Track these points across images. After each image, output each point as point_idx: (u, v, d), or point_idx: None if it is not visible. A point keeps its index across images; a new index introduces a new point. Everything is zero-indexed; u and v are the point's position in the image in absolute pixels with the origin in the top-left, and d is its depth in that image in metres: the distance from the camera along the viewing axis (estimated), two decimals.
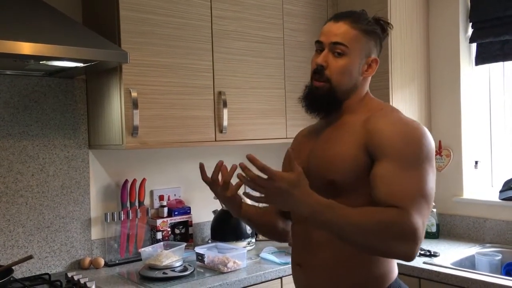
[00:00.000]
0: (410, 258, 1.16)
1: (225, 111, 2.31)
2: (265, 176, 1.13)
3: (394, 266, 1.37)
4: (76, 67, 1.98)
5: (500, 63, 2.72)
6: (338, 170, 1.28)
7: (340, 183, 1.28)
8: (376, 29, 1.38)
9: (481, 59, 2.70)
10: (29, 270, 2.14)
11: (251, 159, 1.15)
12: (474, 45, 2.75)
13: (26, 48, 1.66)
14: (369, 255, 1.30)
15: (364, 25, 1.35)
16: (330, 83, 1.35)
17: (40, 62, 1.84)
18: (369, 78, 1.43)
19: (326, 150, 1.34)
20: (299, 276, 1.43)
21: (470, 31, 2.75)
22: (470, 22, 2.73)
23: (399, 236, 1.14)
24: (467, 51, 2.77)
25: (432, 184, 1.22)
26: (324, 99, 1.36)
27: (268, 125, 2.52)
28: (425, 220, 1.17)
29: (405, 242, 1.14)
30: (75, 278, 2.01)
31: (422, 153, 1.22)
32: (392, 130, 1.25)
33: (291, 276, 2.18)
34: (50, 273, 2.13)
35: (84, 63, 1.91)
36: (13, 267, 1.90)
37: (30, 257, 1.95)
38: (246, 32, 2.43)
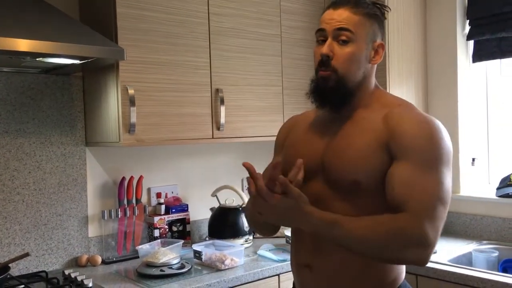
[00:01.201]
0: (423, 263, 1.15)
1: (222, 108, 2.31)
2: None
3: (403, 266, 1.35)
4: (72, 64, 1.97)
5: (497, 60, 2.72)
6: (361, 170, 1.23)
7: (364, 183, 1.24)
8: (377, 11, 1.32)
9: (478, 56, 2.70)
10: (26, 267, 2.13)
11: (248, 167, 1.16)
12: (471, 42, 2.76)
13: (22, 44, 1.65)
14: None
15: (366, 8, 1.28)
16: (337, 73, 1.27)
17: (37, 59, 1.84)
18: (376, 66, 1.35)
19: (347, 148, 1.27)
20: (307, 278, 1.35)
21: (467, 28, 2.75)
22: (467, 19, 2.74)
23: (408, 244, 1.13)
24: (464, 48, 2.77)
25: (449, 186, 1.19)
26: (334, 90, 1.28)
27: (265, 122, 2.51)
28: (439, 223, 1.15)
29: (415, 249, 1.13)
30: (72, 275, 2.00)
31: (442, 156, 1.20)
32: (415, 131, 1.21)
33: (289, 273, 2.20)
34: (47, 270, 2.13)
35: (80, 60, 1.90)
36: (9, 265, 1.89)
37: (27, 254, 1.95)
38: (244, 29, 2.43)
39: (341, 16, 1.27)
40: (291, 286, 1.48)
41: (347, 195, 1.25)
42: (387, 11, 1.37)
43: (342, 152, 1.28)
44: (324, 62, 1.27)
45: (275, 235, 1.74)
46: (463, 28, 2.76)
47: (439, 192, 1.16)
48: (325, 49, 1.27)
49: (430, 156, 1.19)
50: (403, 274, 1.35)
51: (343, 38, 1.26)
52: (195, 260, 2.23)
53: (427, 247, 1.12)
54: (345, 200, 1.26)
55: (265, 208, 1.18)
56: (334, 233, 1.17)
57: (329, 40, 1.28)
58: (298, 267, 1.39)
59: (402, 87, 2.67)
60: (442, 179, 1.18)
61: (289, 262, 2.18)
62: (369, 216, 1.17)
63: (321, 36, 1.30)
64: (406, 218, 1.13)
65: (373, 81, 1.36)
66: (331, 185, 1.28)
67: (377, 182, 1.22)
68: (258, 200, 1.18)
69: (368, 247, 1.16)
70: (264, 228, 1.49)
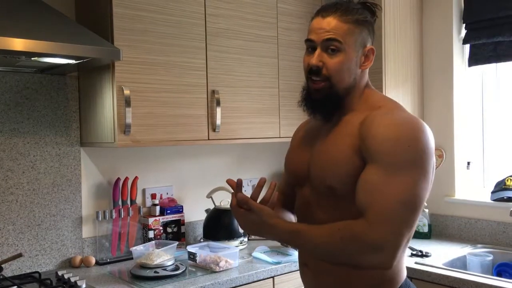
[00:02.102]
0: (386, 267, 1.17)
1: (218, 110, 2.30)
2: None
3: (404, 266, 1.35)
4: (68, 64, 1.97)
5: (493, 64, 2.73)
6: (335, 175, 1.25)
7: (338, 188, 1.26)
8: (367, 16, 1.31)
9: (474, 60, 2.71)
10: (19, 268, 2.12)
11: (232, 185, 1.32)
12: (467, 46, 2.76)
13: (17, 44, 1.64)
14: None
15: (355, 15, 1.28)
16: (329, 82, 1.28)
17: (32, 59, 1.83)
18: (367, 70, 1.36)
19: (323, 154, 1.31)
20: (307, 276, 1.41)
21: (463, 32, 2.75)
22: (463, 23, 2.74)
23: (363, 250, 1.15)
24: (460, 52, 2.78)
25: (419, 190, 1.17)
26: (326, 100, 1.30)
27: (261, 124, 2.51)
28: (401, 227, 1.15)
29: (371, 254, 1.15)
30: (66, 276, 1.99)
31: (413, 157, 1.18)
32: (384, 134, 1.19)
33: (283, 276, 2.20)
34: (40, 271, 2.11)
35: (76, 60, 1.89)
36: (2, 265, 1.88)
37: (20, 255, 1.94)
38: (240, 31, 2.42)
39: (329, 25, 1.27)
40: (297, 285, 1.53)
41: (329, 200, 1.29)
42: (378, 10, 1.36)
43: (319, 159, 1.32)
44: (314, 72, 1.29)
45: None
46: (459, 32, 2.77)
47: (403, 196, 1.15)
48: (314, 60, 1.29)
49: (397, 159, 1.17)
50: (404, 274, 1.33)
51: (332, 47, 1.27)
52: (190, 261, 2.23)
53: (383, 252, 1.14)
54: (328, 205, 1.30)
55: (238, 221, 1.33)
56: (296, 241, 1.28)
57: (318, 50, 1.29)
58: (300, 265, 1.45)
59: (398, 90, 2.68)
60: (413, 183, 1.16)
61: (284, 264, 2.22)
62: (329, 224, 1.22)
63: (310, 45, 1.32)
64: (362, 224, 1.15)
65: (364, 83, 1.36)
66: (315, 192, 1.33)
67: (353, 187, 1.23)
68: (233, 214, 1.33)
69: (327, 253, 1.23)
70: None
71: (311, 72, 1.30)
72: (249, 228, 1.31)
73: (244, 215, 1.28)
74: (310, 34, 1.32)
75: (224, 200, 2.57)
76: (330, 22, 1.27)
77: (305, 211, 1.38)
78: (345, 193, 1.25)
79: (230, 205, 1.32)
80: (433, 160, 1.23)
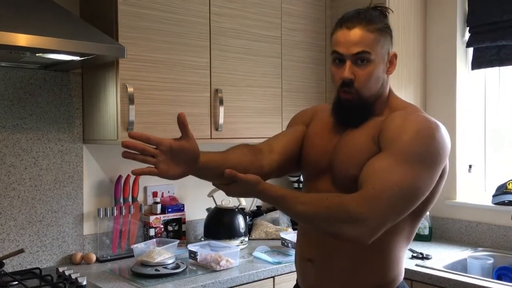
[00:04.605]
0: (362, 241, 1.16)
1: (221, 109, 2.30)
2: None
3: (403, 268, 1.37)
4: (72, 61, 1.97)
5: (496, 68, 2.73)
6: (357, 164, 1.26)
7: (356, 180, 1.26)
8: (387, 23, 1.34)
9: (477, 63, 2.71)
10: (19, 264, 2.12)
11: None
12: (470, 50, 2.76)
13: (22, 40, 1.64)
14: (386, 259, 1.31)
15: (378, 23, 1.30)
16: (359, 94, 1.30)
17: (36, 55, 1.83)
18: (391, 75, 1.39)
19: (347, 147, 1.33)
20: (308, 272, 1.40)
21: (467, 35, 2.76)
22: (467, 26, 2.74)
23: (346, 219, 1.15)
24: (464, 55, 2.78)
25: (420, 183, 1.18)
26: (355, 110, 1.33)
27: (264, 123, 2.51)
28: (389, 210, 1.15)
29: (350, 225, 1.14)
30: (66, 273, 1.99)
31: (425, 154, 1.19)
32: (402, 127, 1.23)
33: (284, 275, 2.20)
34: (41, 267, 2.11)
35: (80, 57, 1.89)
36: (3, 261, 1.88)
37: (21, 251, 1.94)
38: (244, 30, 2.42)
39: (356, 36, 1.28)
40: (294, 284, 1.51)
41: (351, 193, 1.26)
42: (389, 13, 1.38)
43: (343, 150, 1.33)
44: (347, 84, 1.30)
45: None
46: (463, 35, 2.77)
47: (404, 184, 1.16)
48: (347, 73, 1.29)
49: (409, 151, 1.19)
50: (402, 275, 1.37)
51: (362, 59, 1.28)
52: (190, 260, 2.22)
53: (363, 227, 1.14)
54: None
55: (222, 190, 1.31)
56: (283, 206, 1.25)
57: (349, 63, 1.29)
58: (301, 260, 1.43)
59: (401, 92, 2.67)
60: (417, 176, 1.17)
61: (284, 264, 2.21)
62: (320, 193, 1.25)
63: (337, 56, 1.32)
64: (352, 197, 1.16)
65: (388, 88, 1.39)
66: (337, 184, 1.33)
67: None
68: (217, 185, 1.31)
69: (310, 217, 1.22)
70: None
71: (344, 84, 1.31)
72: (235, 195, 1.32)
73: (229, 187, 1.27)
74: (337, 46, 1.31)
75: (225, 199, 2.57)
76: (356, 34, 1.28)
77: None
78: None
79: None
80: (444, 164, 1.24)
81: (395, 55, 1.36)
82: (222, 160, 1.30)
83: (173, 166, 1.26)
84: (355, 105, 1.32)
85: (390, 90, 1.40)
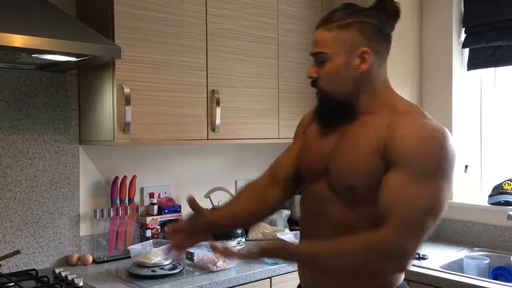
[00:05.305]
0: (402, 272, 1.21)
1: (218, 110, 2.30)
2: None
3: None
4: (68, 61, 1.96)
5: (492, 69, 2.74)
6: (357, 176, 1.25)
7: (360, 188, 1.25)
8: (362, 18, 1.27)
9: (473, 64, 2.72)
10: (16, 265, 2.11)
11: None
12: (466, 50, 2.77)
13: (18, 40, 1.64)
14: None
15: (339, 20, 1.27)
16: (326, 93, 1.31)
17: (32, 55, 1.82)
18: (376, 71, 1.31)
19: (346, 154, 1.29)
20: (307, 276, 1.41)
21: (463, 36, 2.76)
22: (463, 27, 2.75)
23: (387, 257, 1.15)
24: (460, 56, 2.79)
25: (442, 198, 1.18)
26: (326, 108, 1.34)
27: (260, 124, 2.51)
28: (421, 234, 1.16)
29: (393, 261, 1.16)
30: (63, 274, 1.99)
31: (442, 166, 1.18)
32: (413, 140, 1.19)
33: (281, 276, 2.20)
34: (37, 269, 2.11)
35: (76, 57, 1.89)
36: (0, 262, 1.88)
37: (18, 252, 1.93)
38: (241, 31, 2.43)
39: (316, 37, 1.31)
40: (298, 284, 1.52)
41: (347, 200, 1.27)
42: (391, 6, 1.33)
43: (342, 157, 1.30)
44: (313, 84, 1.34)
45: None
46: (459, 36, 2.78)
47: (429, 203, 1.16)
48: (309, 72, 1.33)
49: (427, 166, 1.17)
50: (401, 277, 1.35)
51: (320, 59, 1.30)
52: (187, 261, 2.22)
53: (405, 259, 1.16)
54: (346, 205, 1.28)
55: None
56: (313, 263, 1.28)
57: (313, 63, 1.33)
58: (298, 265, 1.44)
59: (397, 93, 2.68)
60: (437, 190, 1.17)
61: (281, 265, 2.21)
62: (345, 239, 1.20)
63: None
64: (384, 232, 1.15)
65: (376, 85, 1.33)
66: (333, 189, 1.31)
67: (373, 189, 1.21)
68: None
69: (351, 266, 1.22)
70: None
71: (312, 84, 1.34)
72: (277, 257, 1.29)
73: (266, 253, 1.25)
74: None
75: (222, 200, 2.57)
76: (318, 35, 1.31)
77: (316, 207, 1.35)
78: (365, 193, 1.24)
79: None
80: (454, 168, 1.23)
81: (366, 51, 1.27)
82: (232, 218, 1.47)
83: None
84: (328, 104, 1.33)
85: (387, 87, 1.36)
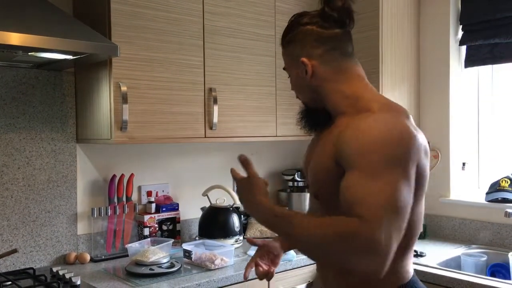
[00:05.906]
0: (376, 273, 1.05)
1: (216, 108, 2.30)
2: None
3: (410, 264, 1.29)
4: (65, 60, 1.96)
5: (489, 66, 2.74)
6: (318, 182, 1.27)
7: (322, 194, 1.26)
8: (297, 29, 1.33)
9: (470, 61, 2.72)
10: (13, 264, 2.11)
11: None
12: (463, 48, 2.77)
13: (14, 38, 1.63)
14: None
15: (286, 36, 1.36)
16: (301, 101, 1.41)
17: (29, 54, 1.82)
18: (328, 74, 1.30)
19: (312, 160, 1.32)
20: (318, 274, 1.43)
21: (460, 33, 2.77)
22: (460, 24, 2.75)
23: (359, 250, 1.04)
24: (457, 54, 2.79)
25: (403, 193, 1.08)
26: (307, 114, 1.40)
27: (258, 122, 2.51)
28: (392, 232, 1.05)
29: (366, 256, 1.04)
30: (60, 273, 1.98)
31: (391, 159, 1.10)
32: (359, 139, 1.14)
33: (278, 274, 2.19)
34: (34, 267, 2.10)
35: (73, 56, 1.89)
36: None
37: (15, 251, 1.93)
38: (238, 29, 2.42)
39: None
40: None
41: (326, 204, 1.27)
42: (329, 9, 1.32)
43: (309, 165, 1.33)
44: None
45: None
46: (456, 33, 2.78)
47: (389, 201, 1.06)
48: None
49: (375, 161, 1.10)
50: (409, 274, 1.28)
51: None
52: (185, 259, 2.22)
53: (379, 255, 1.03)
54: (328, 210, 1.22)
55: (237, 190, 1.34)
56: (283, 229, 1.18)
57: None
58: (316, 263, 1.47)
59: (394, 91, 2.68)
60: (393, 185, 1.08)
61: (280, 264, 2.20)
62: (324, 217, 1.13)
63: None
64: (359, 223, 1.04)
65: (339, 88, 1.30)
66: (314, 194, 1.36)
67: (336, 194, 1.15)
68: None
69: (315, 246, 1.12)
70: None
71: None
72: (241, 197, 1.32)
73: (241, 182, 1.31)
74: None
75: (220, 198, 2.57)
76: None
77: (313, 210, 1.41)
78: (328, 199, 1.21)
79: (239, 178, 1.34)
80: (417, 163, 1.16)
81: (303, 61, 1.30)
82: None
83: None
84: (305, 111, 1.40)
85: (358, 86, 1.32)
